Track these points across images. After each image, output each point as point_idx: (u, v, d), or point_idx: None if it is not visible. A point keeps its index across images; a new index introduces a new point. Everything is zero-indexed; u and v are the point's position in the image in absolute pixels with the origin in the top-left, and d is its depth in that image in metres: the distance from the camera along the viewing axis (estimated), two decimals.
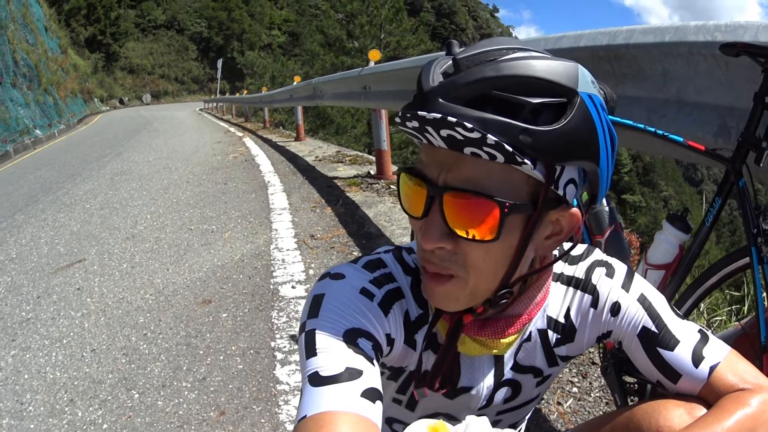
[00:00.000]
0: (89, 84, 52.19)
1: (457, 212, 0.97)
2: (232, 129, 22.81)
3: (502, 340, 1.20)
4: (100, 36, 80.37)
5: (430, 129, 0.92)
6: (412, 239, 1.25)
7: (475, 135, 0.89)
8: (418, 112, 0.92)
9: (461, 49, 1.00)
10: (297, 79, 16.54)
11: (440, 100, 0.93)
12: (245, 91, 36.05)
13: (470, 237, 0.98)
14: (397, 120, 0.96)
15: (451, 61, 0.99)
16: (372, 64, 8.15)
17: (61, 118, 30.35)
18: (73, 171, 11.42)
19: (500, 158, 0.91)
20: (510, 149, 0.89)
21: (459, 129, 0.89)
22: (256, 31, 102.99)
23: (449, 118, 0.89)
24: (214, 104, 45.03)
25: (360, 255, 1.26)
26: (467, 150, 0.92)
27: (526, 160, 0.91)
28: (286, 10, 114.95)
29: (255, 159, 11.96)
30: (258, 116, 27.19)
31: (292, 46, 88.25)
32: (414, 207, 1.04)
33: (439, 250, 1.01)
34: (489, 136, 0.88)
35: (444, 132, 0.91)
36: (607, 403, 2.80)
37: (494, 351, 1.21)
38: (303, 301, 4.00)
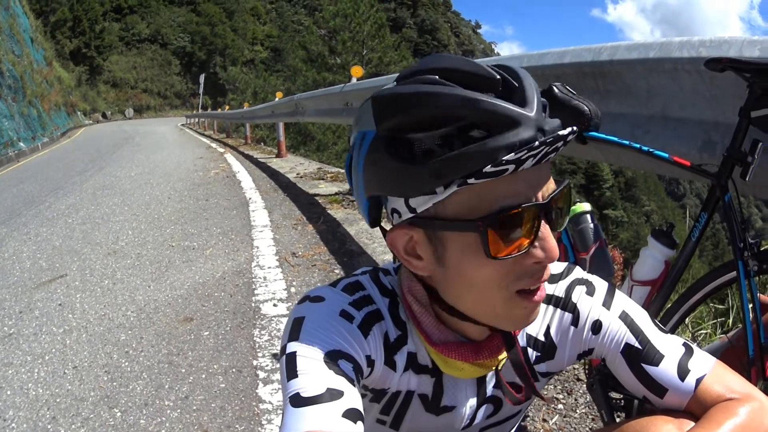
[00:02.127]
0: (73, 97, 52.18)
1: (560, 210, 1.03)
2: (213, 145, 22.82)
3: (498, 357, 1.20)
4: (85, 49, 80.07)
5: (544, 150, 0.91)
6: (395, 259, 1.24)
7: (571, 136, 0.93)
8: (559, 133, 0.90)
9: (475, 71, 0.99)
10: (279, 95, 16.61)
11: (547, 118, 0.96)
12: (227, 107, 36.06)
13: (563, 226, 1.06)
14: (513, 156, 0.88)
15: (492, 82, 0.98)
16: (354, 80, 8.16)
17: (44, 131, 30.29)
18: (55, 185, 11.35)
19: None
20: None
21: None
22: (238, 46, 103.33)
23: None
24: (196, 119, 45.06)
25: (341, 276, 1.25)
26: (546, 159, 0.95)
27: None
28: (269, 25, 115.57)
29: (236, 175, 11.94)
30: (239, 132, 27.23)
31: (275, 62, 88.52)
32: (518, 242, 0.98)
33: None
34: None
35: (555, 146, 0.92)
36: (593, 419, 2.79)
37: (489, 369, 1.22)
38: (285, 320, 3.93)
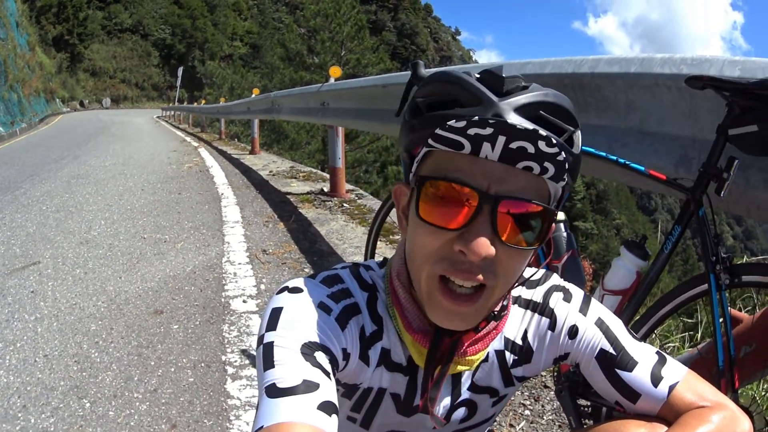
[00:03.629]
0: (52, 84, 51.52)
1: (512, 221, 1.01)
2: (188, 138, 22.69)
3: (470, 358, 1.21)
4: (68, 36, 79.07)
5: (499, 138, 0.94)
6: (366, 259, 1.26)
7: (552, 150, 0.94)
8: (507, 121, 0.93)
9: (495, 70, 1.07)
10: (255, 91, 16.50)
11: (514, 113, 1.01)
12: (203, 101, 35.81)
13: (520, 245, 1.03)
14: (457, 123, 0.94)
15: (497, 79, 1.05)
16: (332, 80, 8.14)
17: (23, 117, 29.92)
18: (31, 171, 11.21)
19: (551, 173, 0.98)
20: (566, 166, 0.98)
21: (541, 143, 0.93)
22: (218, 40, 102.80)
23: (541, 131, 0.93)
24: (172, 112, 44.74)
25: (319, 270, 1.26)
26: (522, 164, 0.97)
27: (565, 177, 1.01)
28: (250, 21, 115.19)
29: (209, 170, 11.91)
30: (214, 127, 27.09)
31: (253, 58, 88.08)
32: (450, 217, 1.02)
33: (482, 260, 1.01)
34: (562, 153, 0.94)
35: (516, 144, 0.94)
36: (560, 426, 2.82)
37: (462, 368, 1.22)
38: (254, 316, 3.98)
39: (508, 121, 0.93)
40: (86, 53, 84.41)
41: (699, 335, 4.03)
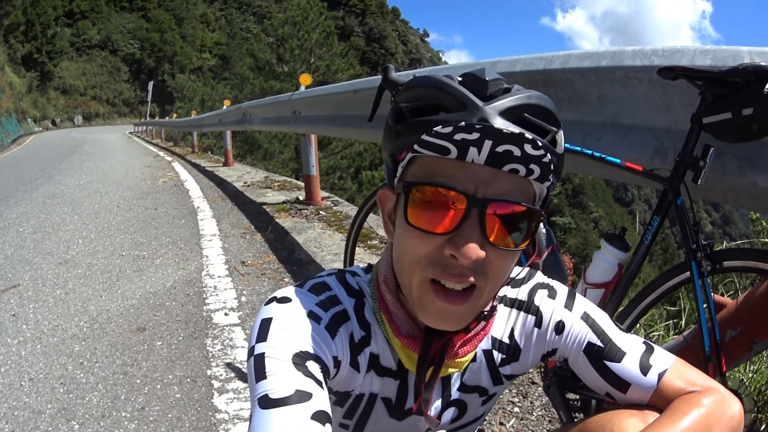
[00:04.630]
0: (23, 103, 51.23)
1: (500, 223, 1.02)
2: (161, 153, 22.57)
3: (460, 360, 1.21)
4: (36, 54, 78.72)
5: (486, 143, 0.94)
6: (345, 265, 1.26)
7: (538, 152, 0.94)
8: (494, 125, 0.94)
9: (477, 73, 1.07)
10: (227, 103, 16.47)
11: (499, 117, 1.01)
12: (175, 115, 35.69)
13: (509, 246, 1.03)
14: (443, 129, 0.94)
15: (480, 82, 1.06)
16: (303, 88, 8.12)
17: None
18: (6, 193, 11.03)
19: (536, 174, 0.99)
20: (552, 167, 0.99)
21: (527, 146, 0.93)
22: (187, 53, 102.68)
23: (527, 134, 0.93)
24: (144, 128, 44.52)
25: (299, 280, 1.25)
26: (508, 167, 0.98)
27: (550, 177, 1.02)
28: (218, 32, 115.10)
29: (184, 184, 11.82)
30: (187, 140, 26.94)
31: (222, 70, 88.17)
32: (438, 221, 1.02)
33: (473, 263, 1.01)
34: (548, 154, 0.95)
35: (502, 147, 0.94)
36: (550, 421, 2.83)
37: (452, 370, 1.22)
38: (237, 329, 3.96)
39: (495, 125, 0.94)
40: (56, 71, 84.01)
41: (683, 322, 4.07)
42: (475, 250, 0.99)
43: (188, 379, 3.29)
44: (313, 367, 1.05)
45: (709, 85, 1.93)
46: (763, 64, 1.81)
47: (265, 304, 1.16)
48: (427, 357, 1.16)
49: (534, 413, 2.91)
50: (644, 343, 1.23)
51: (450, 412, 1.33)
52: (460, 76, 1.09)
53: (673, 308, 4.37)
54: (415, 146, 1.01)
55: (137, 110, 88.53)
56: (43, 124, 64.06)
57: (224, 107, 15.34)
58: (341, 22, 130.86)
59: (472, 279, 1.02)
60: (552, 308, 1.29)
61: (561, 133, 1.10)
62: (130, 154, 22.74)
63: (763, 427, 2.56)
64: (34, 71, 77.76)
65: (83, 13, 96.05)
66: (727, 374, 2.03)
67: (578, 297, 1.32)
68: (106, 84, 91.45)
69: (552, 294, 1.32)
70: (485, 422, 2.81)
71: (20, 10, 76.62)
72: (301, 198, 9.04)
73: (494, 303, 1.22)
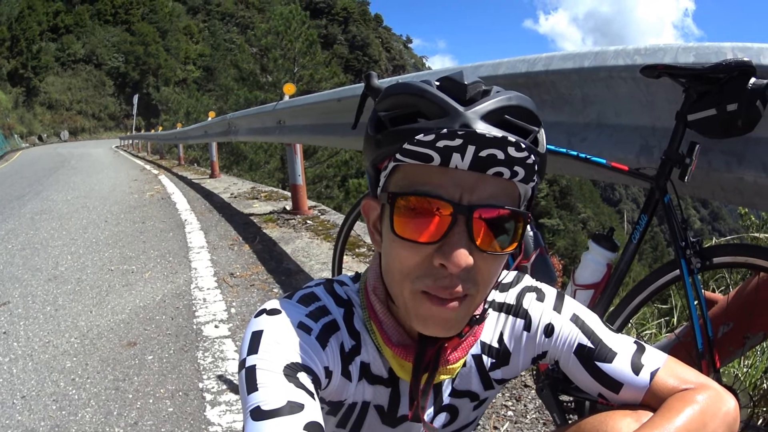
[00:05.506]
0: (10, 119, 51.15)
1: (487, 228, 1.01)
2: (147, 166, 22.50)
3: (452, 366, 1.21)
4: (22, 69, 78.54)
5: (469, 148, 0.93)
6: (333, 274, 1.25)
7: (522, 155, 0.94)
8: (477, 131, 0.92)
9: (455, 77, 1.06)
10: (212, 114, 16.47)
11: (481, 121, 0.99)
12: (160, 128, 35.62)
13: (497, 250, 1.03)
14: (425, 137, 0.94)
15: (459, 87, 1.04)
16: (287, 97, 8.10)
17: None
18: None
19: (521, 176, 0.98)
20: (535, 168, 0.98)
21: (511, 148, 0.93)
22: (171, 66, 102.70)
23: (510, 138, 0.92)
24: (130, 141, 44.46)
25: (289, 290, 1.25)
26: (492, 170, 0.97)
27: (535, 178, 1.01)
28: (202, 44, 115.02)
29: (171, 197, 11.79)
30: (173, 153, 26.95)
31: (207, 81, 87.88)
32: (425, 231, 1.01)
33: (462, 271, 1.00)
34: (531, 156, 0.94)
35: (486, 152, 0.93)
36: (544, 424, 2.82)
37: (444, 377, 1.21)
38: (227, 341, 3.94)
39: (477, 130, 0.93)
40: (42, 86, 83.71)
41: (675, 320, 4.08)
42: (464, 258, 0.98)
43: (180, 393, 3.27)
44: (304, 378, 1.04)
45: (692, 82, 1.93)
46: (746, 59, 1.82)
47: (255, 317, 1.15)
48: (422, 365, 1.15)
49: (528, 416, 2.90)
50: (635, 342, 1.23)
51: (442, 417, 1.32)
52: (437, 81, 1.07)
53: (664, 306, 4.38)
54: (397, 155, 1.00)
55: (123, 124, 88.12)
56: (29, 140, 64.06)
57: (209, 119, 15.32)
58: (324, 31, 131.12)
59: (460, 289, 1.01)
60: (541, 311, 1.29)
61: (542, 132, 1.09)
62: (117, 168, 22.66)
63: (760, 421, 2.57)
64: (20, 87, 77.64)
65: (68, 27, 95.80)
66: (721, 370, 2.03)
67: (567, 299, 1.32)
68: (91, 98, 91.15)
69: (540, 297, 1.31)
70: (479, 427, 2.80)
71: (5, 25, 76.49)
72: (288, 208, 9.04)
73: (485, 306, 1.21)
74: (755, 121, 1.84)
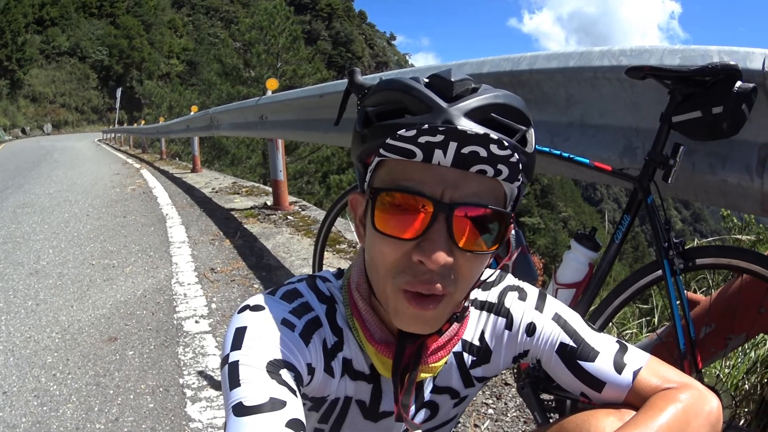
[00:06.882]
0: None
1: (468, 226, 1.01)
2: (129, 160, 22.37)
3: (434, 364, 1.21)
4: (6, 62, 78.12)
5: (451, 144, 0.93)
6: (314, 270, 1.24)
7: (505, 153, 0.93)
8: (458, 127, 0.92)
9: (443, 74, 1.06)
10: (194, 109, 16.36)
11: (464, 118, 1.00)
12: (143, 122, 35.46)
13: (478, 249, 1.02)
14: (407, 133, 0.94)
15: (446, 83, 1.04)
16: (270, 93, 8.07)
17: None
18: None
19: (505, 175, 0.99)
20: (520, 167, 0.98)
21: (493, 146, 0.92)
22: (155, 59, 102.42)
23: (492, 135, 0.92)
24: (113, 135, 44.24)
25: (269, 286, 1.24)
26: (475, 168, 0.97)
27: (520, 177, 1.01)
28: (186, 38, 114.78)
29: (153, 191, 11.72)
30: (155, 147, 26.82)
31: (190, 75, 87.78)
32: (406, 227, 1.01)
33: (441, 268, 1.00)
34: (515, 154, 0.94)
35: (468, 149, 0.93)
36: (525, 422, 2.83)
37: (425, 376, 1.21)
38: (208, 336, 3.93)
39: (459, 126, 0.93)
40: (26, 79, 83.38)
41: (656, 320, 4.10)
42: (442, 256, 0.98)
43: (161, 389, 3.25)
44: (286, 375, 1.04)
45: (678, 84, 1.94)
46: (732, 62, 1.83)
47: (237, 312, 1.15)
48: (402, 362, 1.15)
49: (508, 414, 2.91)
50: (618, 342, 1.23)
51: (422, 414, 1.33)
52: (426, 78, 1.08)
53: (645, 306, 4.41)
54: (381, 150, 1.00)
55: (106, 117, 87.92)
56: (12, 133, 63.76)
57: (192, 113, 15.25)
58: (308, 27, 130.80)
59: (439, 286, 1.01)
60: (523, 310, 1.29)
61: (532, 131, 1.10)
62: (99, 161, 22.53)
63: (742, 422, 2.58)
64: (4, 79, 77.30)
65: (53, 20, 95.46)
66: (703, 371, 2.04)
67: (549, 298, 1.32)
68: (75, 91, 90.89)
69: (522, 296, 1.32)
70: (459, 425, 2.80)
71: None
72: (269, 203, 9.03)
73: (467, 304, 1.21)
74: (741, 125, 1.85)
